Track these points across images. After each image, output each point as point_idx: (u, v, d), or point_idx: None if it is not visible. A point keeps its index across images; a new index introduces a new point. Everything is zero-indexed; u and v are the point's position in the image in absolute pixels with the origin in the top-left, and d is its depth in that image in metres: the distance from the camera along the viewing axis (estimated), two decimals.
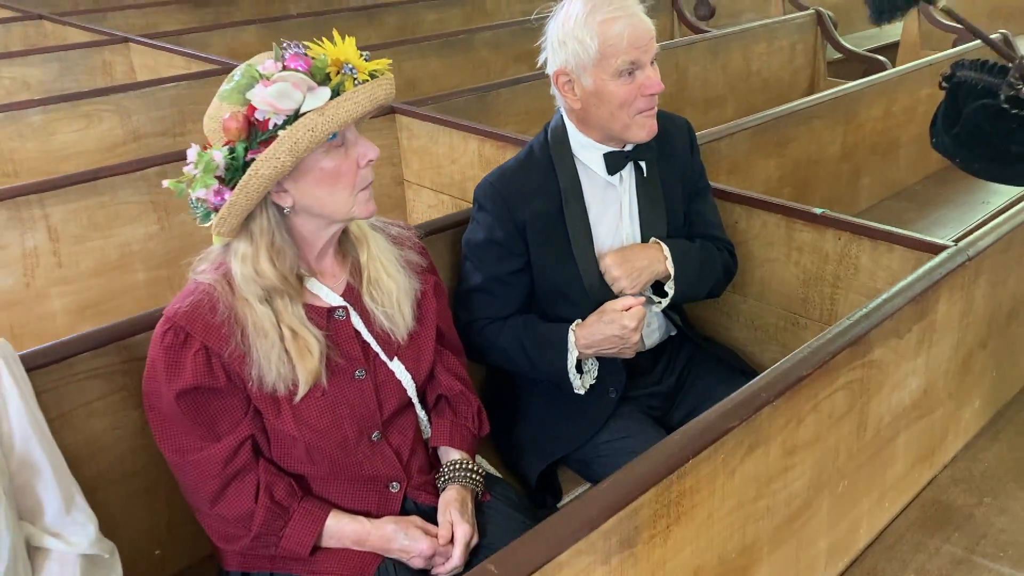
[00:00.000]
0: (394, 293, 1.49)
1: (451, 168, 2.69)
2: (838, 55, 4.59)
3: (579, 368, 1.75)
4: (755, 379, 1.32)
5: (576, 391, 1.76)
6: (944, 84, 1.35)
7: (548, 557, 0.98)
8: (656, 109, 1.77)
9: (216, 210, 1.32)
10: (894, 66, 4.69)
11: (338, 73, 1.34)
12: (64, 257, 2.20)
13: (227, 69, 3.26)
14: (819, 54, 4.46)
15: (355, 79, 1.34)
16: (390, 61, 1.44)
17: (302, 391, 1.38)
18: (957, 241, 1.76)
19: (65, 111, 2.86)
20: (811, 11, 4.43)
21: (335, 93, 1.32)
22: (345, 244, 1.50)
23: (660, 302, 1.84)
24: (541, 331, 1.77)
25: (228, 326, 1.34)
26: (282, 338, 1.36)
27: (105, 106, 2.95)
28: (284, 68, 1.31)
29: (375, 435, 1.50)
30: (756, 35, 4.11)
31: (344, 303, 1.47)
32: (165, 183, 1.35)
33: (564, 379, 1.74)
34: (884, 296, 1.58)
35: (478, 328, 1.81)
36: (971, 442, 1.96)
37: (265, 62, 1.32)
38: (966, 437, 1.96)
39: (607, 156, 1.80)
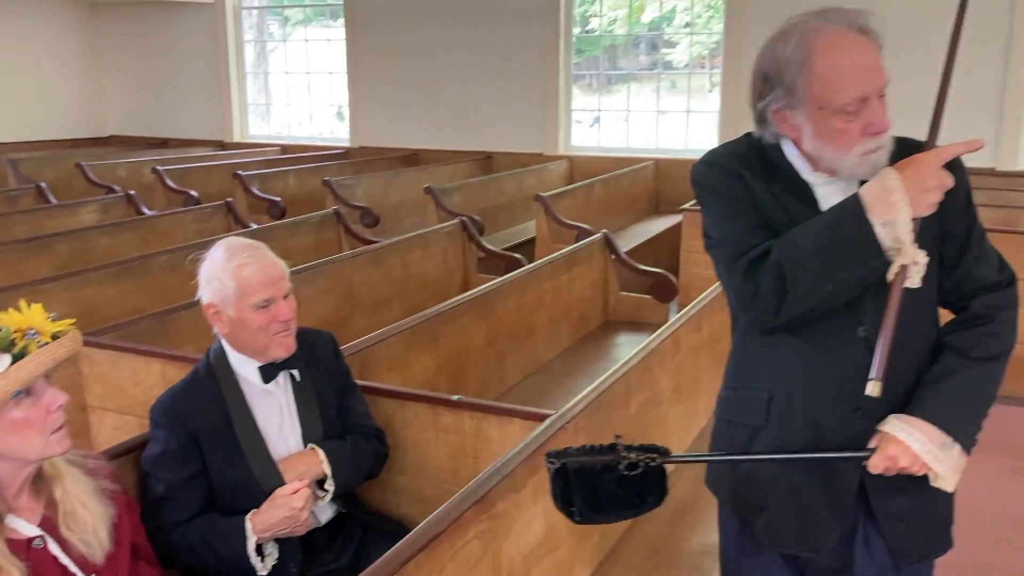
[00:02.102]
0: (90, 522, 1.70)
1: (135, 390, 2.88)
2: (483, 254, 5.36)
3: (260, 552, 2.03)
4: (400, 540, 1.69)
5: (260, 573, 2.03)
6: (553, 471, 1.58)
7: None
8: (292, 330, 2.17)
9: None
10: (533, 258, 5.56)
11: (24, 338, 1.59)
12: None
13: None
14: (468, 254, 5.18)
15: (38, 342, 1.60)
16: (74, 320, 1.70)
17: None
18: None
19: None
20: (457, 220, 5.18)
21: (18, 357, 1.56)
22: (38, 482, 1.70)
23: (324, 496, 2.18)
24: (221, 525, 2.04)
25: None
26: None
27: None
28: None
29: None
30: (412, 244, 4.74)
31: (41, 533, 1.66)
32: None
33: (248, 564, 2.01)
34: (501, 461, 2.04)
35: (165, 534, 2.03)
36: (596, 570, 2.45)
37: None
38: (592, 566, 2.44)
39: (261, 368, 2.17)
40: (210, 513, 2.07)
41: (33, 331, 1.58)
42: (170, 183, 7.10)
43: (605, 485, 1.58)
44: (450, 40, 8.63)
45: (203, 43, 9.94)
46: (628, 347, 4.46)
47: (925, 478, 1.61)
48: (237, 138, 10.06)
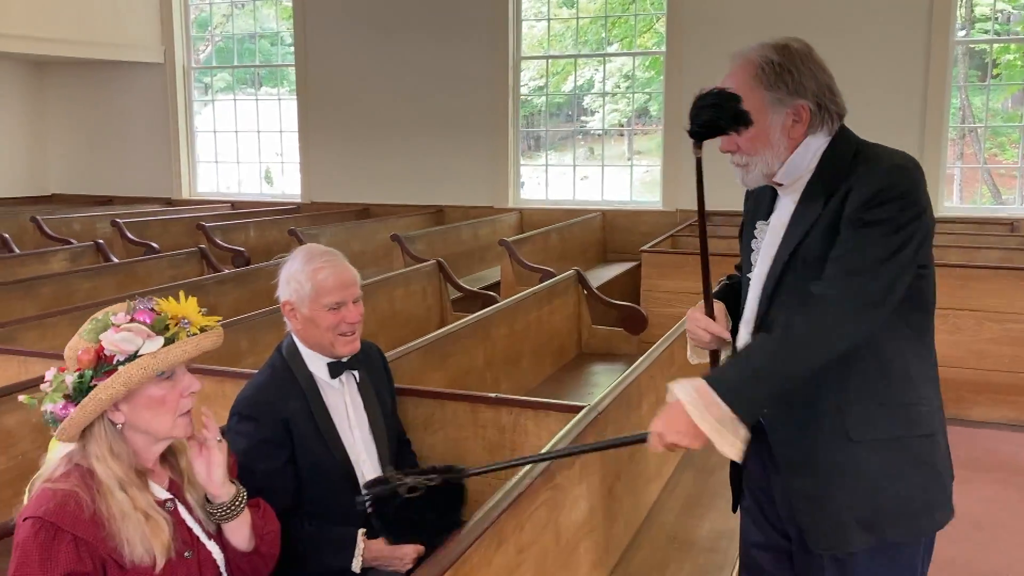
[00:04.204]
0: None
1: None
2: (458, 293, 5.59)
3: None
4: (495, 494, 1.90)
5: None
6: (368, 507, 1.90)
7: None
8: (358, 333, 2.35)
9: (60, 420, 1.65)
10: (501, 299, 5.81)
11: (176, 325, 1.76)
12: None
13: None
14: (444, 293, 5.41)
15: (187, 331, 1.77)
16: (220, 318, 1.88)
17: (160, 562, 1.68)
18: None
19: None
20: (433, 261, 5.42)
21: (169, 341, 1.73)
22: (167, 453, 1.85)
23: None
24: (333, 533, 2.18)
25: (96, 517, 1.62)
26: (140, 520, 1.67)
27: None
28: (132, 319, 1.71)
29: None
30: (396, 282, 4.96)
31: (171, 496, 1.81)
32: (21, 398, 1.67)
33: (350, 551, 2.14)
34: (555, 439, 2.27)
35: None
36: (624, 552, 2.66)
37: (119, 313, 1.71)
38: (620, 548, 2.66)
39: (329, 365, 2.35)
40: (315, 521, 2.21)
41: (186, 320, 1.75)
42: (130, 235, 7.14)
43: (394, 509, 1.87)
44: (401, 99, 8.94)
45: (152, 102, 10.02)
46: (604, 376, 4.72)
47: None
48: (185, 195, 10.11)
